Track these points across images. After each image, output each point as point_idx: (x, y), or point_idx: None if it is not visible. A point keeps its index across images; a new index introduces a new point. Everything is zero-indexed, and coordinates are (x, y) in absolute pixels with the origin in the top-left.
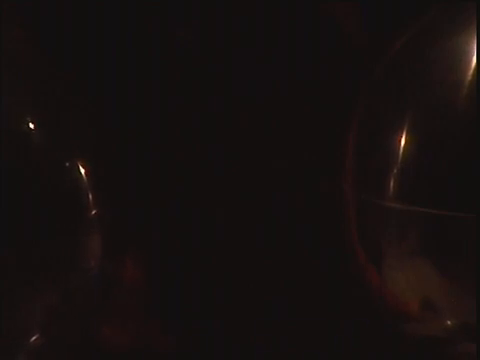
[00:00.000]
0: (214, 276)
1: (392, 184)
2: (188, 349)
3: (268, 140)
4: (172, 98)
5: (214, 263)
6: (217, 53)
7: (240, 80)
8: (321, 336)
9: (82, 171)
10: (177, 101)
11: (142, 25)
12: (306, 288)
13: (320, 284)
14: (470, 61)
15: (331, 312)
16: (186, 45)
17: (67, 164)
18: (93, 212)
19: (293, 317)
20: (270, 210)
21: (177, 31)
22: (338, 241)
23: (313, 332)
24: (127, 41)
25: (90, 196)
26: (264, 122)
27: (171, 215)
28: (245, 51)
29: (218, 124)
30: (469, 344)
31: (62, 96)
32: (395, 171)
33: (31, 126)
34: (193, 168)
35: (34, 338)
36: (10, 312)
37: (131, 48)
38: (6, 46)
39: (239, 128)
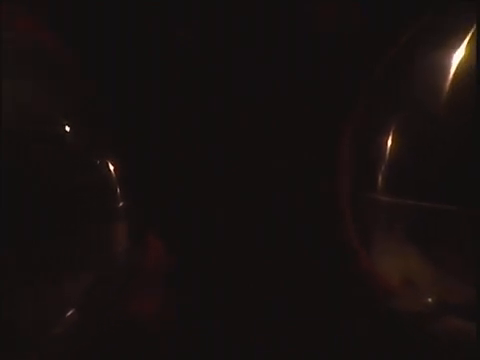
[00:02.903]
0: (214, 276)
1: (382, 179)
2: (188, 349)
3: (268, 140)
4: (172, 98)
5: (214, 263)
6: (217, 53)
7: (240, 80)
8: (321, 336)
9: (111, 168)
10: (177, 101)
11: (142, 25)
12: (306, 288)
13: (320, 284)
14: (448, 74)
15: (331, 312)
16: (186, 45)
17: (98, 162)
18: (120, 204)
19: (293, 317)
20: (270, 210)
21: (177, 31)
22: (337, 240)
23: (313, 332)
24: (127, 41)
25: (118, 190)
26: (264, 122)
27: (171, 215)
28: (245, 51)
29: (218, 124)
30: (447, 319)
31: (92, 101)
32: (384, 167)
33: (67, 129)
34: (193, 168)
35: (70, 313)
36: (50, 289)
37: (131, 48)
38: (38, 52)
39: (239, 128)
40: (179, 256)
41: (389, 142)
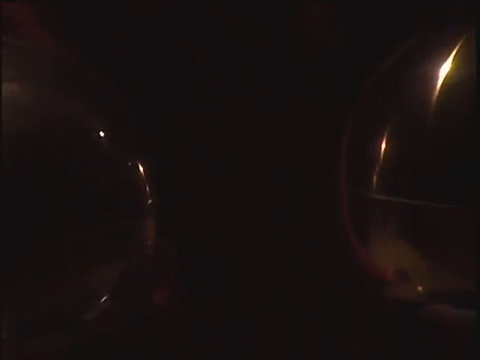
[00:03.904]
0: (214, 276)
1: (376, 180)
2: (188, 349)
3: (268, 140)
4: (172, 98)
5: (214, 263)
6: (217, 53)
7: (240, 81)
8: (321, 329)
9: (141, 169)
10: (177, 101)
11: (142, 25)
12: (305, 283)
13: (319, 278)
14: (437, 83)
15: (330, 312)
16: (187, 46)
17: (129, 164)
18: (149, 201)
19: (293, 316)
20: (270, 210)
21: (178, 32)
22: (336, 236)
23: (313, 326)
24: (128, 41)
25: (147, 189)
26: (264, 122)
27: (171, 215)
28: (245, 51)
29: (218, 124)
30: (436, 306)
31: (123, 109)
32: (379, 169)
33: (101, 135)
34: (193, 168)
35: (103, 299)
36: (86, 278)
37: (130, 48)
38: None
39: (239, 129)
40: (181, 253)
41: (383, 146)
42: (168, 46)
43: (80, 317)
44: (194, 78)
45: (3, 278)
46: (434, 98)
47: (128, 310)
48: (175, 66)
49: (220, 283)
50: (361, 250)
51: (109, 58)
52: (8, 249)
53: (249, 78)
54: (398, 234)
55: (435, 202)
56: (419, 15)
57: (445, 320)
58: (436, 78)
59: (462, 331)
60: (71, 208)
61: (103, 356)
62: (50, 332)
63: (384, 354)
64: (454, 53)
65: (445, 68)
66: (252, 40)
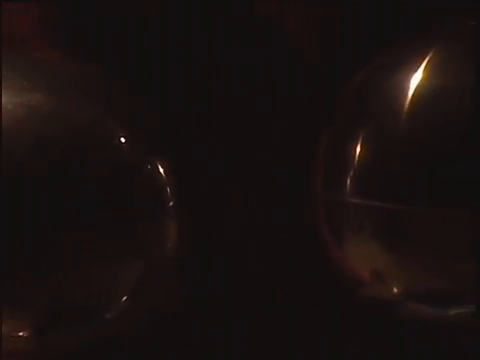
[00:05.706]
0: (214, 276)
1: (351, 183)
2: (188, 349)
3: (268, 140)
4: (172, 98)
5: (214, 263)
6: (217, 52)
7: (240, 80)
8: (321, 334)
9: (161, 171)
10: (177, 101)
11: (142, 25)
12: (306, 288)
13: (320, 286)
14: (408, 93)
15: (330, 312)
16: (187, 46)
17: (149, 167)
18: (170, 203)
19: (293, 316)
20: (270, 210)
21: (178, 32)
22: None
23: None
24: (128, 41)
25: (168, 191)
26: (264, 122)
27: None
28: (245, 51)
29: (218, 124)
30: (410, 305)
31: (143, 114)
32: (353, 173)
33: (122, 141)
34: (193, 168)
35: (124, 299)
36: (107, 278)
37: (130, 48)
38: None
39: (239, 128)
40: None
41: (357, 151)
42: (168, 46)
43: (98, 316)
44: (194, 78)
45: (3, 278)
46: (405, 107)
47: (147, 310)
48: (175, 66)
49: (220, 283)
50: (337, 251)
51: (109, 58)
52: (8, 249)
53: (249, 78)
54: (372, 236)
55: (406, 205)
56: (419, 15)
57: (420, 318)
58: (407, 88)
59: (437, 328)
60: (91, 206)
61: (103, 356)
62: (59, 330)
63: (384, 354)
64: (424, 65)
65: (415, 79)
66: (252, 40)
